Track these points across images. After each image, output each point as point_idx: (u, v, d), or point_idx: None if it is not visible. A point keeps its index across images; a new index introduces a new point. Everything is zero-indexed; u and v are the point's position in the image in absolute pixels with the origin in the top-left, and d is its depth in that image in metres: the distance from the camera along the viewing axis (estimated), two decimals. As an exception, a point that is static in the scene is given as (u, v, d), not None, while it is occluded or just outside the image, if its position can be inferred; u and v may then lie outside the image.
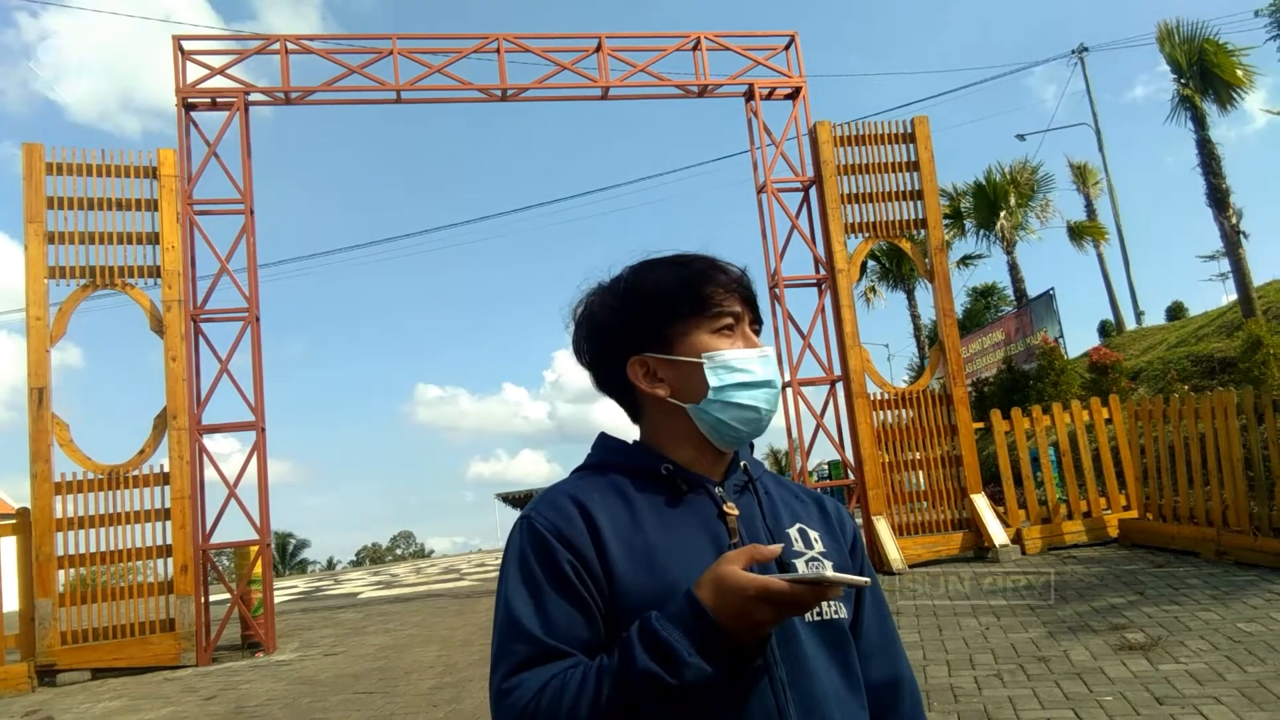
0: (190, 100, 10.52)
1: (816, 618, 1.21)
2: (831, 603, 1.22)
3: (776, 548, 1.11)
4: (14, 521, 9.28)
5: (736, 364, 1.25)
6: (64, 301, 9.63)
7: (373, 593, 16.94)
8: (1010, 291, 27.20)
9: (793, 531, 1.27)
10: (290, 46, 10.77)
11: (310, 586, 20.72)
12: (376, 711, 6.59)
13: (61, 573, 9.18)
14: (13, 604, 9.20)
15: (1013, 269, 24.73)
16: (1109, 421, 10.84)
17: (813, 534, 1.28)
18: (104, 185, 9.86)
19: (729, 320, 1.26)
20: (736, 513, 1.24)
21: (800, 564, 1.23)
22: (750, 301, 1.30)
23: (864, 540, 1.32)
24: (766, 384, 1.26)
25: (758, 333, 1.29)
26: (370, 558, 69.86)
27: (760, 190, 11.55)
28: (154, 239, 9.93)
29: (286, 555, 57.52)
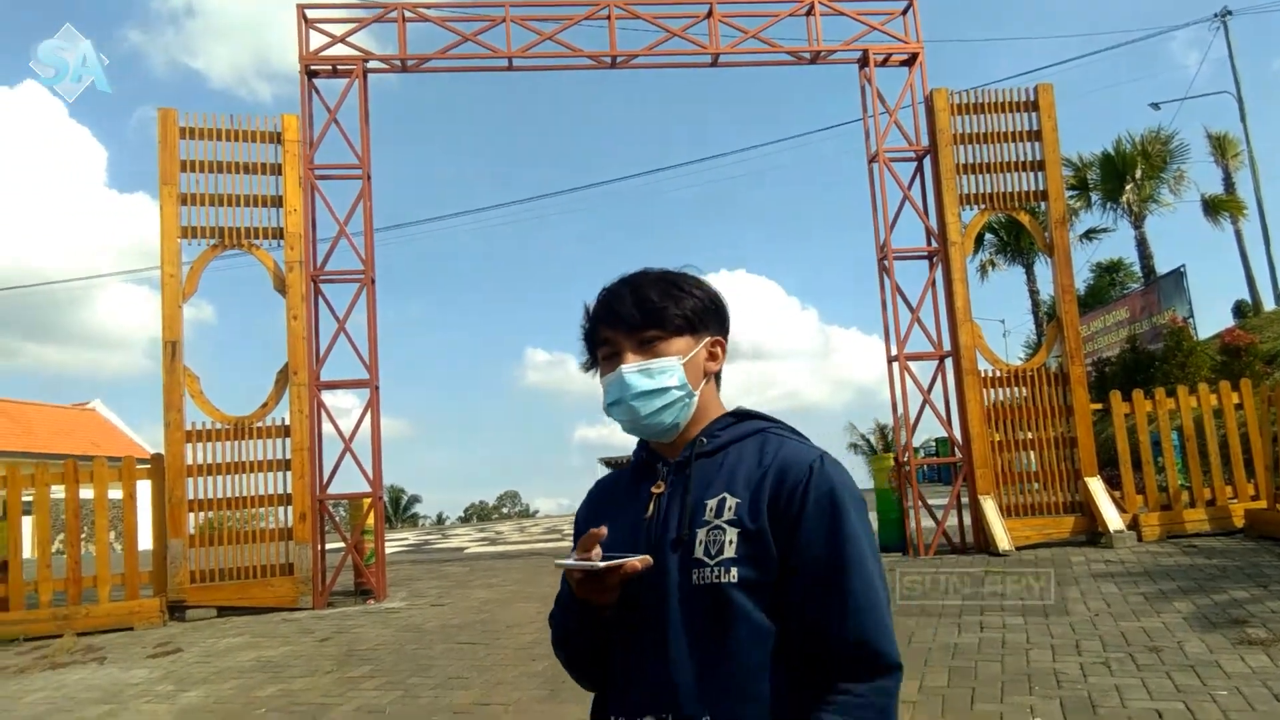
0: (313, 67, 10.89)
1: (700, 581, 1.36)
2: (712, 568, 1.36)
3: (585, 548, 1.39)
4: (149, 466, 9.90)
5: (602, 388, 1.53)
6: (195, 260, 10.16)
7: (478, 548, 17.47)
8: (1137, 268, 25.98)
9: (712, 501, 1.41)
10: (407, 15, 11.00)
11: (420, 539, 21.49)
12: (478, 661, 6.82)
13: (191, 516, 9.77)
14: (147, 543, 9.87)
15: (1140, 244, 23.58)
16: (1239, 407, 10.27)
17: (731, 502, 1.40)
18: (232, 149, 10.32)
19: (606, 350, 1.52)
20: (661, 490, 1.49)
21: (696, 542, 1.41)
22: (620, 323, 1.49)
23: (831, 512, 1.35)
24: (615, 403, 1.49)
25: (647, 341, 1.48)
26: (477, 515, 71.81)
27: (871, 160, 11.27)
28: (278, 202, 10.36)
29: (399, 509, 59.65)
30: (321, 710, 5.84)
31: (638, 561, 1.37)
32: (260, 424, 10.01)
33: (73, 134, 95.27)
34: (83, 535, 11.83)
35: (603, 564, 1.35)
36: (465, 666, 6.68)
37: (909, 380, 10.74)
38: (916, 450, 11.27)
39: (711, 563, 1.36)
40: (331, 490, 10.47)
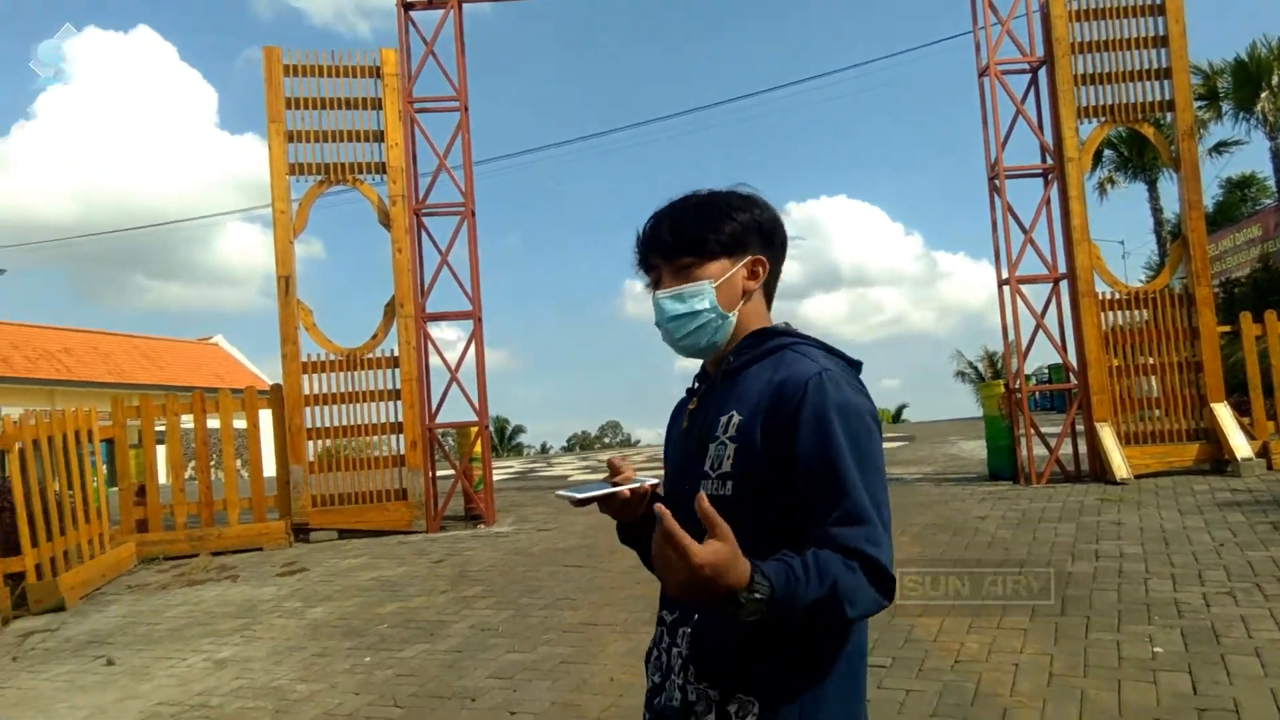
0: (408, 0, 10.90)
1: (706, 492, 1.39)
2: (713, 481, 1.47)
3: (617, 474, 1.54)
4: (269, 396, 10.36)
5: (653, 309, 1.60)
6: (303, 196, 10.44)
7: (580, 476, 17.82)
8: (1271, 182, 24.29)
9: (724, 418, 1.50)
10: (501, -59, 10.88)
11: (525, 467, 22.03)
12: (584, 584, 7.00)
13: (310, 444, 10.21)
14: (269, 470, 10.40)
15: (1276, 156, 21.97)
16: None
17: (736, 419, 1.48)
18: (333, 85, 10.49)
19: (654, 275, 1.60)
20: (694, 407, 1.61)
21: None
22: (658, 250, 1.57)
23: (819, 427, 1.39)
24: (657, 325, 1.58)
25: (683, 268, 1.54)
26: (579, 444, 73.07)
27: (981, 73, 10.72)
28: (379, 136, 10.52)
29: (504, 438, 61.17)
30: (439, 626, 6.10)
31: (627, 491, 1.51)
32: (370, 355, 10.33)
33: (184, 76, 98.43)
34: (211, 462, 12.52)
35: (579, 495, 1.46)
36: (572, 589, 6.87)
37: (1021, 304, 10.36)
38: (1028, 377, 10.89)
39: (714, 476, 1.47)
40: (440, 419, 10.79)
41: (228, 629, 6.48)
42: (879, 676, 4.34)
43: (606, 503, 1.52)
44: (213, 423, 10.21)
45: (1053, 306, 10.49)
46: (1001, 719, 3.84)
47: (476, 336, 10.58)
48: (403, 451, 10.24)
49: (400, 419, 10.29)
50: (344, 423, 10.25)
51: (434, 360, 10.76)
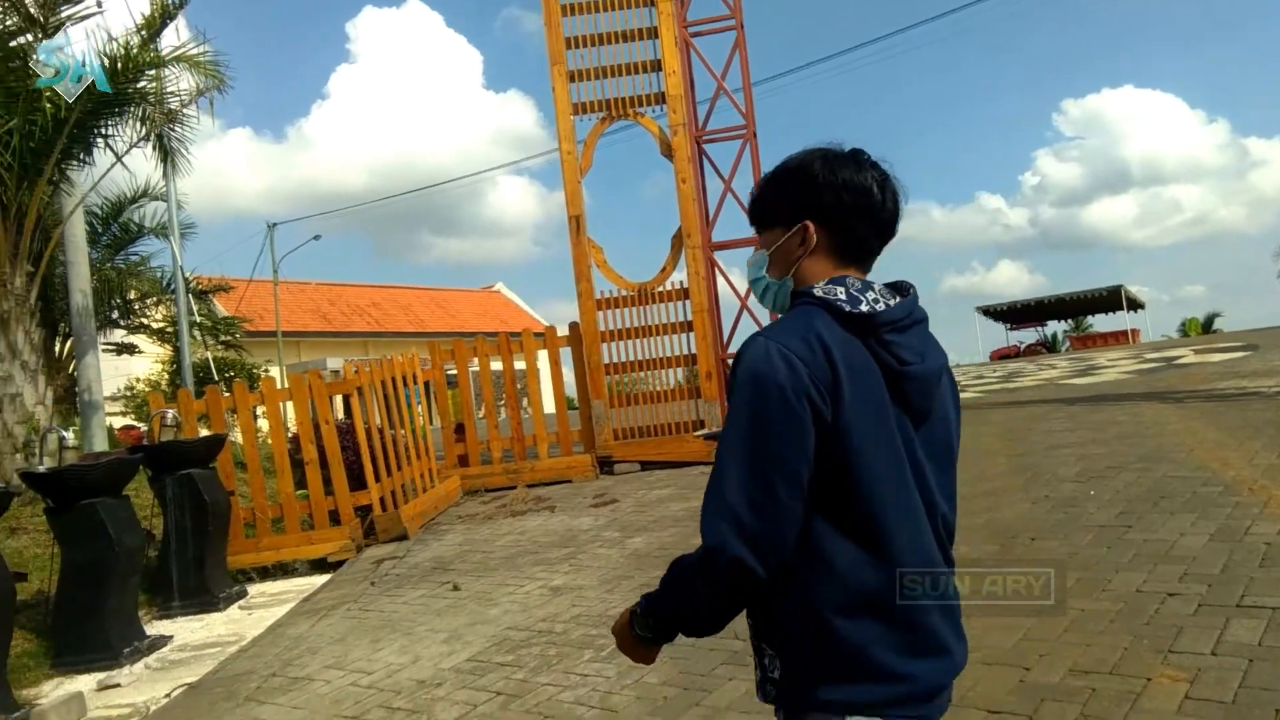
0: (677, -80, 10.57)
1: None
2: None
3: None
4: (568, 335, 10.65)
5: None
6: (587, 135, 10.52)
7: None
8: None
9: None
10: None
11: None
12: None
13: (608, 378, 10.42)
14: (550, 408, 10.72)
15: None
16: None
17: None
18: (610, 20, 10.41)
19: None
20: None
21: None
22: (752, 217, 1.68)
23: (730, 387, 1.53)
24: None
25: (759, 235, 1.66)
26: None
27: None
28: (656, 66, 10.35)
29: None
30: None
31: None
32: (660, 288, 10.32)
33: (451, 43, 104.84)
34: (499, 402, 13.18)
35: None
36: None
37: None
38: None
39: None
40: (731, 349, 10.64)
41: (556, 557, 6.69)
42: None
43: None
44: (515, 364, 10.66)
45: None
46: None
47: (765, 263, 10.24)
48: (697, 383, 10.20)
49: (693, 350, 10.23)
50: (638, 357, 10.34)
51: (723, 289, 10.60)
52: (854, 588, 1.43)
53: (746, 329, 10.45)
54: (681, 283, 10.27)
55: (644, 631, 1.56)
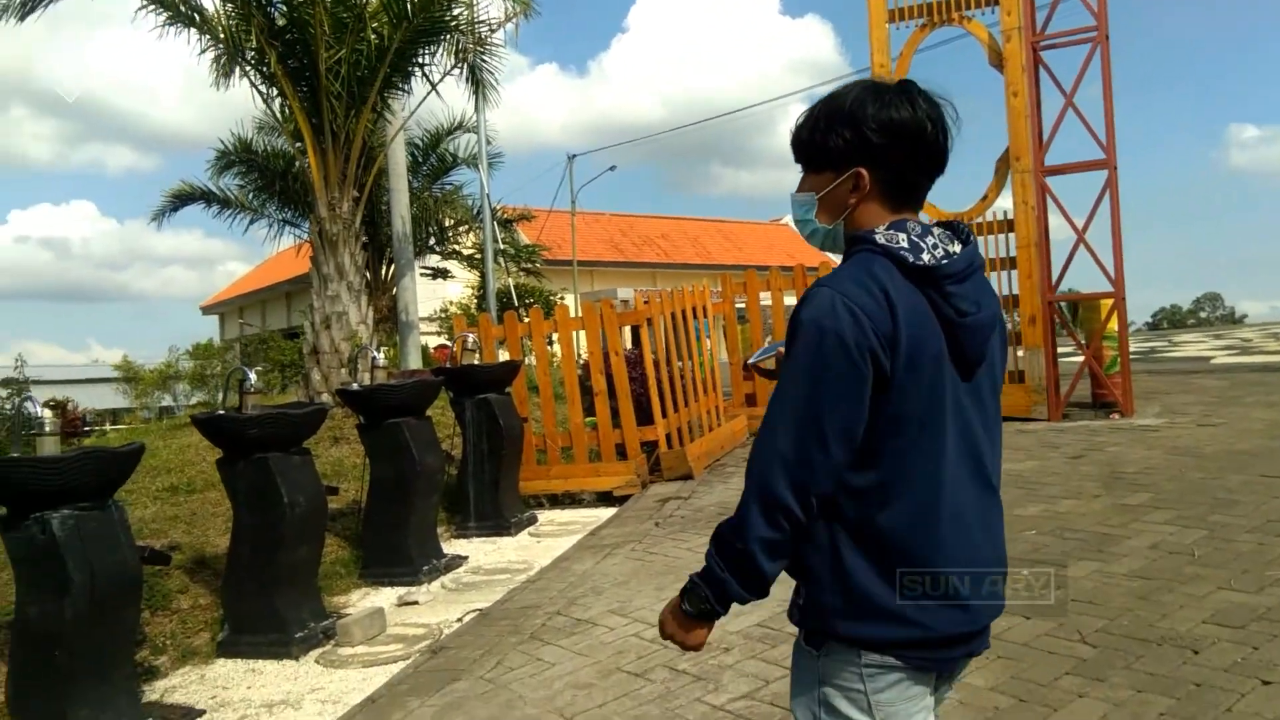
0: None
1: None
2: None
3: None
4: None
5: None
6: (904, 45, 9.45)
7: (1226, 358, 14.80)
8: None
9: None
10: None
11: (1143, 347, 19.00)
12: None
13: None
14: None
15: None
16: None
17: None
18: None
19: None
20: None
21: None
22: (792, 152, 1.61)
23: (789, 338, 1.48)
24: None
25: (804, 174, 1.60)
26: (1167, 320, 64.43)
27: None
28: (988, -37, 9.03)
29: (1075, 315, 56.08)
30: (1106, 541, 4.96)
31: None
32: (980, 219, 9.16)
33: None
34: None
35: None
36: (1282, 508, 5.21)
37: None
38: None
39: None
40: (1061, 290, 9.31)
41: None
42: None
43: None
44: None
45: None
46: None
47: (1111, 188, 8.70)
48: (1018, 328, 9.02)
49: (1015, 291, 9.04)
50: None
51: (1055, 221, 9.24)
52: (874, 535, 1.46)
53: (1082, 267, 9.10)
54: (1006, 212, 9.04)
55: (694, 606, 1.54)
